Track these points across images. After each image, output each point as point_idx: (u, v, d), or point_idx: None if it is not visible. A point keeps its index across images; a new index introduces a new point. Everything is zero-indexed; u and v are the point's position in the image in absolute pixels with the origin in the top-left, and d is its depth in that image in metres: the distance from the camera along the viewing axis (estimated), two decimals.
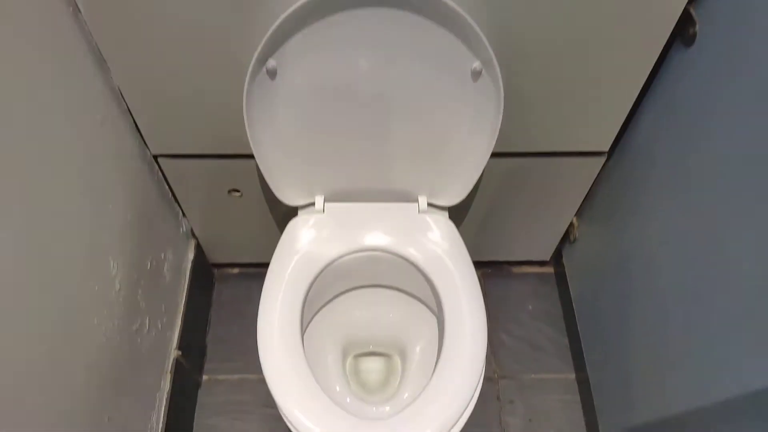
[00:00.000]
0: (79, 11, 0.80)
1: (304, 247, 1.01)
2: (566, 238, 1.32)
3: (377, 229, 1.03)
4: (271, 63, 0.82)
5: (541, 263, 1.44)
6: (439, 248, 1.01)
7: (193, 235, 1.29)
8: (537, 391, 1.31)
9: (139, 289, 1.01)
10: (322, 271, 1.00)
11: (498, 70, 0.82)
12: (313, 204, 1.04)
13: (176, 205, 1.19)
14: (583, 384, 1.30)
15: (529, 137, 1.03)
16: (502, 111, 0.87)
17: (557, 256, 1.39)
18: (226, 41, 0.84)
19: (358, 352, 1.23)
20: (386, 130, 0.93)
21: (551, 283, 1.43)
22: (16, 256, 0.69)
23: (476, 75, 0.85)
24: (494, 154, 0.95)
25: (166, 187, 1.13)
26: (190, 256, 1.28)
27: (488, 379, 1.31)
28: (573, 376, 1.32)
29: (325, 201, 1.04)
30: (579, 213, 1.24)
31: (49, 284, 0.75)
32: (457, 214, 1.20)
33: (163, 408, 1.12)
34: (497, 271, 1.44)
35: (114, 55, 0.86)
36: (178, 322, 1.20)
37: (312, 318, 1.10)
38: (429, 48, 0.82)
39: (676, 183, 0.91)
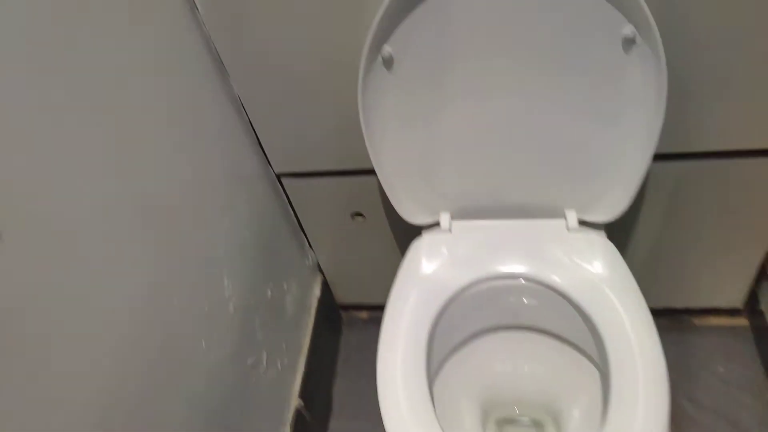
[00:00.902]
0: (197, 9, 0.78)
1: (428, 273, 0.87)
2: (763, 274, 1.05)
3: (515, 251, 0.87)
4: (387, 50, 0.74)
5: (732, 312, 1.15)
6: (597, 276, 0.83)
7: (320, 270, 1.21)
8: None
9: (256, 317, 0.94)
10: (449, 303, 0.85)
11: (657, 35, 0.66)
12: (438, 223, 0.91)
13: (302, 234, 1.12)
14: None
15: (706, 131, 0.83)
16: (665, 93, 0.70)
17: (752, 301, 1.11)
18: (345, 36, 0.78)
19: (500, 415, 1.03)
20: (522, 124, 0.79)
21: (746, 339, 1.14)
22: (134, 258, 0.65)
23: (628, 43, 0.69)
24: (660, 156, 0.78)
25: (291, 212, 1.08)
26: (317, 292, 1.20)
27: None
28: None
29: (452, 218, 0.91)
30: None
31: (154, 293, 0.69)
32: (617, 240, 1.00)
33: None
34: (674, 323, 1.18)
35: (233, 61, 0.84)
36: (301, 365, 1.11)
37: (442, 365, 0.94)
38: (570, 14, 0.69)
39: None
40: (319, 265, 1.20)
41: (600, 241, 0.85)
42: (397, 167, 0.85)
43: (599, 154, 0.80)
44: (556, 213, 0.88)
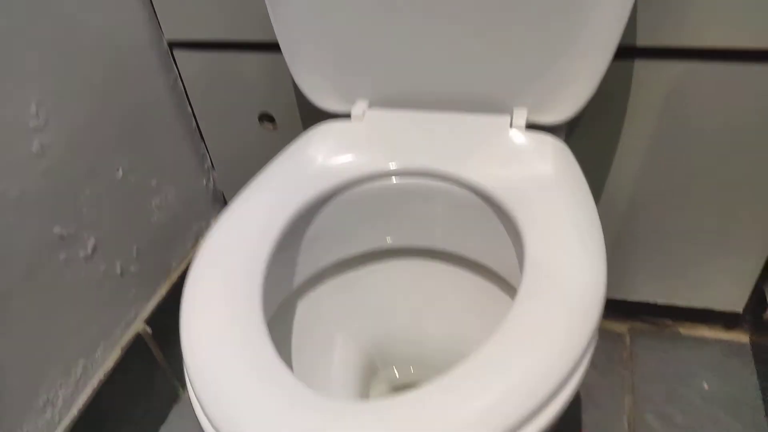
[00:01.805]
0: None
1: (310, 161, 0.65)
2: None
3: (438, 146, 0.65)
4: None
5: (728, 322, 0.89)
6: (538, 176, 0.59)
7: (225, 199, 0.99)
8: None
9: (86, 188, 0.71)
10: (335, 192, 0.62)
11: None
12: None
13: (202, 145, 0.92)
14: None
15: (702, 21, 0.62)
16: None
17: (757, 306, 0.85)
18: None
19: (392, 378, 0.77)
20: None
21: (743, 355, 0.87)
22: None
23: None
24: (647, 52, 0.58)
25: (188, 107, 0.87)
26: (212, 219, 0.97)
27: None
28: None
29: (369, 107, 0.70)
30: None
31: None
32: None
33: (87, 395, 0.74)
34: (655, 329, 0.92)
35: None
36: (163, 291, 0.86)
37: (313, 286, 0.68)
38: None
39: None
40: (224, 198, 0.98)
41: (550, 141, 0.63)
42: (303, 31, 0.65)
43: (555, 23, 0.59)
44: (499, 108, 0.66)
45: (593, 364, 0.88)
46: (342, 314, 0.71)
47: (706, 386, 0.85)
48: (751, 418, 0.81)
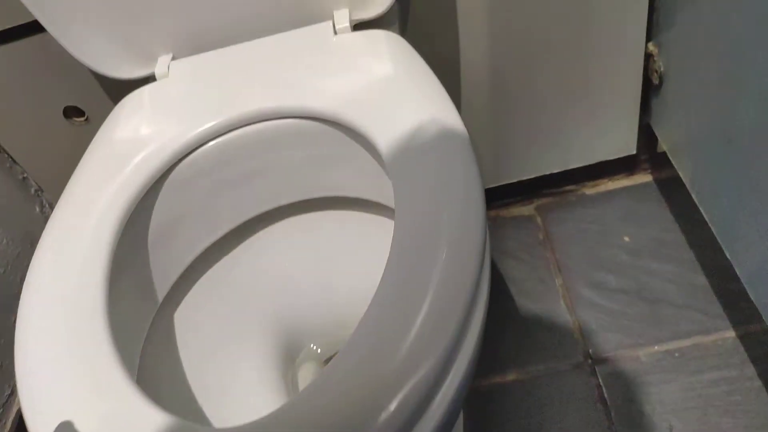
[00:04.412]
0: None
1: (129, 134, 0.54)
2: (647, 102, 0.77)
3: (263, 79, 0.55)
4: None
5: (627, 167, 0.87)
6: (378, 76, 0.51)
7: None
8: (677, 374, 0.71)
9: None
10: (169, 169, 0.52)
11: None
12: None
13: (17, 167, 0.78)
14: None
15: None
16: None
17: (649, 141, 0.83)
18: None
19: (314, 354, 0.69)
20: None
21: (652, 195, 0.86)
22: None
23: None
24: None
25: None
26: None
27: (576, 367, 0.73)
28: (732, 333, 0.72)
29: (173, 59, 0.59)
30: (653, 34, 0.71)
31: None
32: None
33: None
34: (561, 199, 0.89)
35: None
36: None
37: (185, 292, 0.59)
38: None
39: None
40: None
41: (383, 37, 0.55)
42: None
43: None
44: (317, 15, 0.57)
45: (513, 256, 0.84)
46: (238, 307, 0.62)
47: (627, 239, 0.82)
48: (678, 254, 0.80)
